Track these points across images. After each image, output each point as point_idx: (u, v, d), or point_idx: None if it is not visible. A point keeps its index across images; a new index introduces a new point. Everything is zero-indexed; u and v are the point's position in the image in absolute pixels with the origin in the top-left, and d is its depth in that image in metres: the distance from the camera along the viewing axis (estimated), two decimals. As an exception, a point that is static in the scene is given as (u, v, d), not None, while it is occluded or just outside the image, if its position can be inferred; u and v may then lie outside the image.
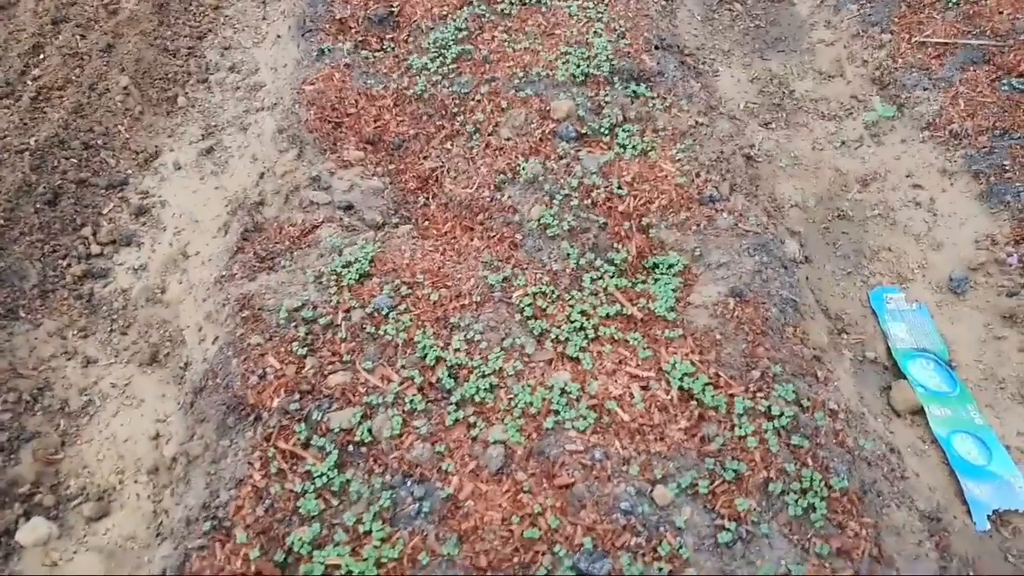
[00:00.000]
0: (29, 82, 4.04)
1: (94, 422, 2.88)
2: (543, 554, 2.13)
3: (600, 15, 4.13)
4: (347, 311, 2.75)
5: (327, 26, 4.29)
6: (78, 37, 4.34)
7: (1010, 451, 2.67)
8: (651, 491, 2.25)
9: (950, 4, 4.11)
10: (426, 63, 3.90)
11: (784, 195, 3.58)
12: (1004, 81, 3.67)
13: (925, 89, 3.79)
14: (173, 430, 2.81)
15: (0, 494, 2.64)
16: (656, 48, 4.00)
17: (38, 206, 3.43)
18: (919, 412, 2.78)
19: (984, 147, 3.46)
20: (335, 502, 2.28)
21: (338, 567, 2.12)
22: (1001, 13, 4.00)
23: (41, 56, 4.21)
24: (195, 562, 2.22)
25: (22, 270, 3.20)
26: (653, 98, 3.68)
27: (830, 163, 3.72)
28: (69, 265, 3.30)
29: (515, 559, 2.12)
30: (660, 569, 2.09)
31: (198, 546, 2.26)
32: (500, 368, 2.55)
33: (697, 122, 3.58)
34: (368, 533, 2.19)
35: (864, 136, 3.79)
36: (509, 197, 3.23)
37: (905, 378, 2.87)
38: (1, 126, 3.74)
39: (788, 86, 4.17)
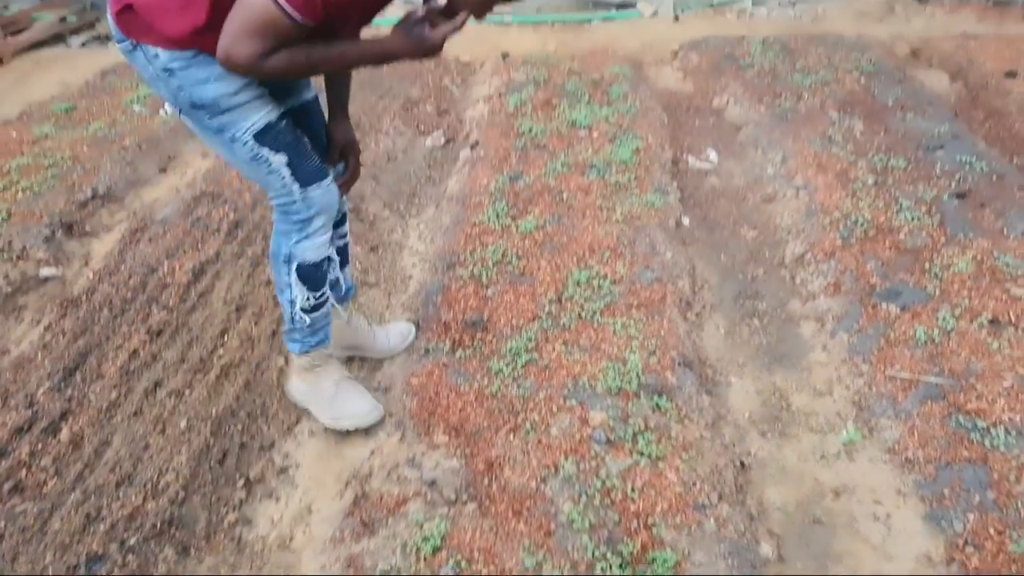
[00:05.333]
0: (215, 360, 5.56)
1: (234, 640, 3.97)
2: None
3: (637, 333, 5.39)
4: (422, 577, 3.83)
5: (435, 326, 5.72)
6: (252, 324, 5.93)
7: None
8: None
9: (919, 343, 5.17)
10: (501, 367, 5.20)
11: (770, 499, 4.53)
12: (953, 418, 4.61)
13: (889, 418, 4.77)
14: (289, 654, 3.86)
15: None
16: (679, 364, 5.18)
17: (211, 464, 4.76)
18: None
19: (931, 475, 4.36)
20: None
21: None
22: (958, 355, 5.01)
23: (225, 338, 5.78)
24: None
25: (196, 516, 4.47)
26: (671, 410, 4.79)
27: (811, 473, 4.67)
28: (227, 513, 4.55)
29: None
30: None
31: None
32: (525, 636, 3.53)
33: (702, 435, 4.65)
34: None
35: (841, 452, 4.75)
36: (550, 489, 4.32)
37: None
38: (195, 396, 5.21)
39: (787, 399, 5.22)
